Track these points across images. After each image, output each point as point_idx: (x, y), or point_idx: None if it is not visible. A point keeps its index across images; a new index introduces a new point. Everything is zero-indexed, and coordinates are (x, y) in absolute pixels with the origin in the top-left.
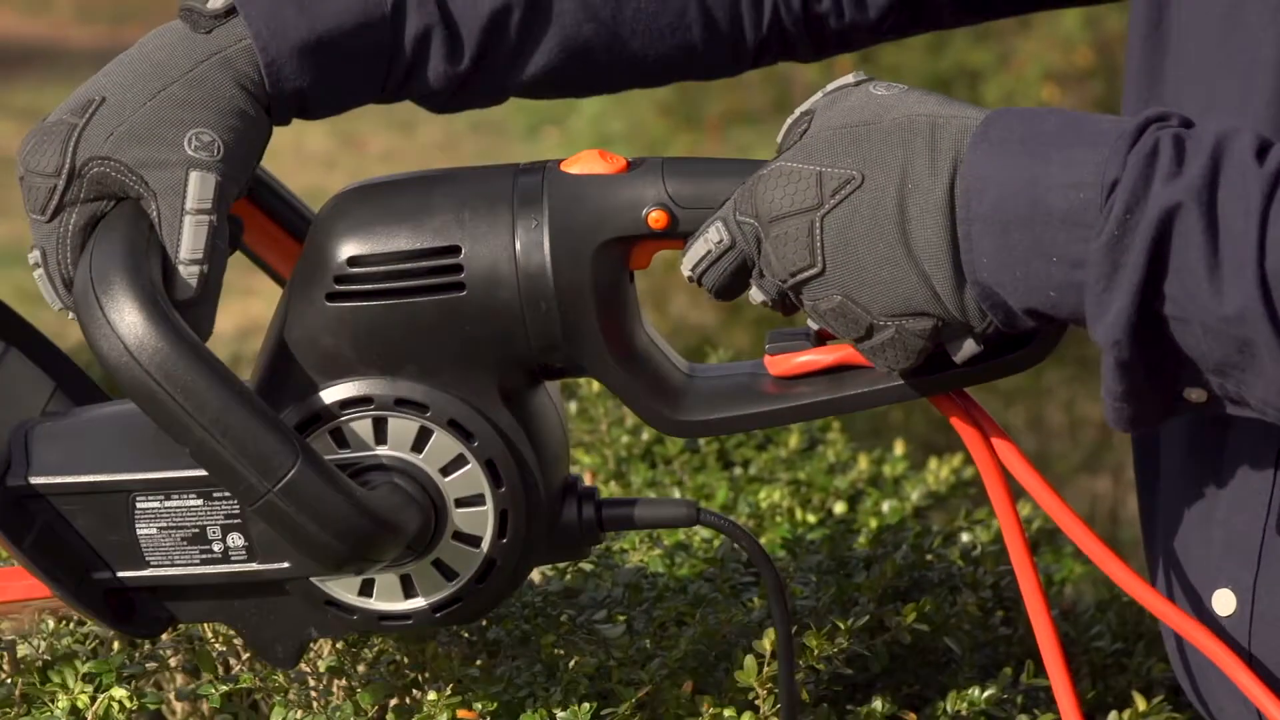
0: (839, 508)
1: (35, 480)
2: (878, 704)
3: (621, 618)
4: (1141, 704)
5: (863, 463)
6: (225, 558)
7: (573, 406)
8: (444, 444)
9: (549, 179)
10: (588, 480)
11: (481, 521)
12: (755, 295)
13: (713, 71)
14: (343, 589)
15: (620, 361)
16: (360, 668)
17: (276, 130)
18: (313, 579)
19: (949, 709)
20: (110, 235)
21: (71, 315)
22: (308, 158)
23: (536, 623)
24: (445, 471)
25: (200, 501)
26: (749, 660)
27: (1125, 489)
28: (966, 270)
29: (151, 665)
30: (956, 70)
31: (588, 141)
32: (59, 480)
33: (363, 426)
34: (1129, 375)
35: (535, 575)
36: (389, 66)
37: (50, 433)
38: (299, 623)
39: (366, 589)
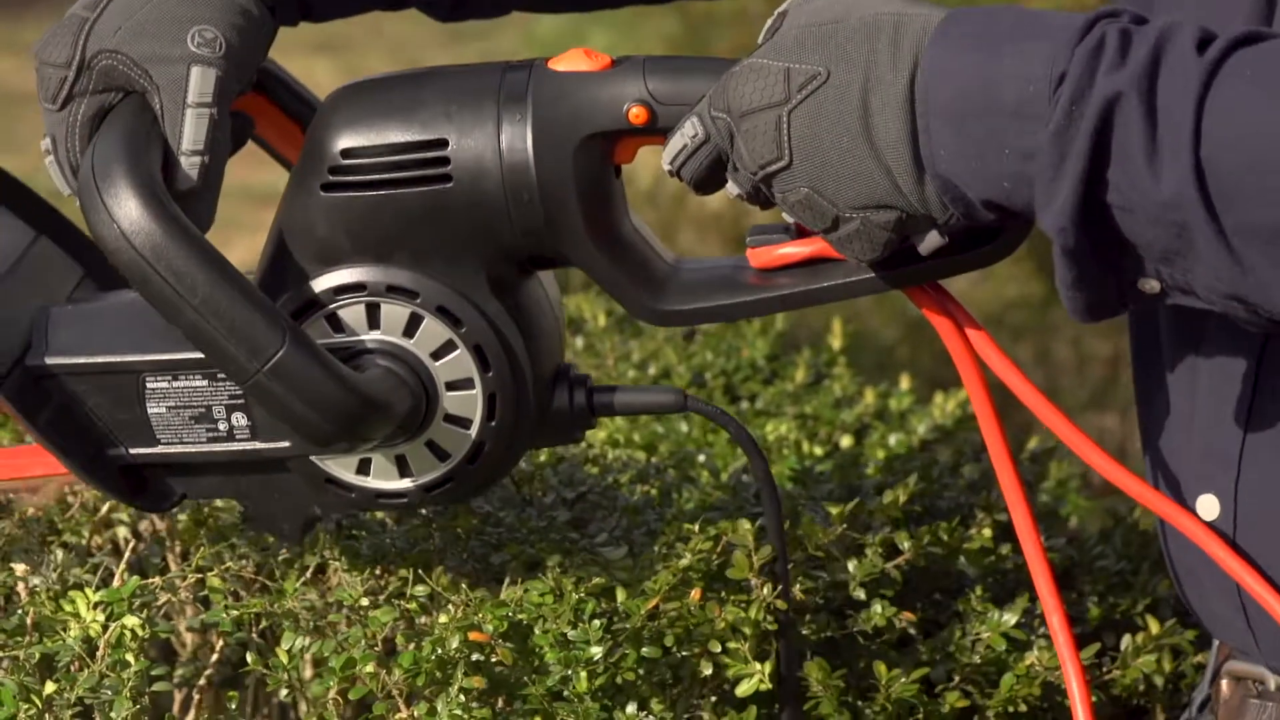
0: (845, 441)
1: (51, 360)
2: (877, 608)
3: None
4: (1155, 626)
5: (869, 397)
6: (230, 436)
7: (579, 342)
8: (434, 329)
9: (534, 76)
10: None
11: (471, 405)
12: (731, 189)
13: None
14: (341, 468)
15: (603, 251)
16: (367, 601)
17: (336, 17)
18: (312, 457)
19: (967, 630)
20: (113, 127)
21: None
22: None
23: (541, 546)
24: (435, 356)
25: (205, 382)
26: (738, 556)
27: (1132, 425)
28: (926, 163)
29: (164, 596)
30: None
31: None
32: (74, 361)
33: (356, 312)
34: (1076, 263)
35: (541, 504)
36: None
37: (69, 316)
38: (302, 500)
39: (364, 468)
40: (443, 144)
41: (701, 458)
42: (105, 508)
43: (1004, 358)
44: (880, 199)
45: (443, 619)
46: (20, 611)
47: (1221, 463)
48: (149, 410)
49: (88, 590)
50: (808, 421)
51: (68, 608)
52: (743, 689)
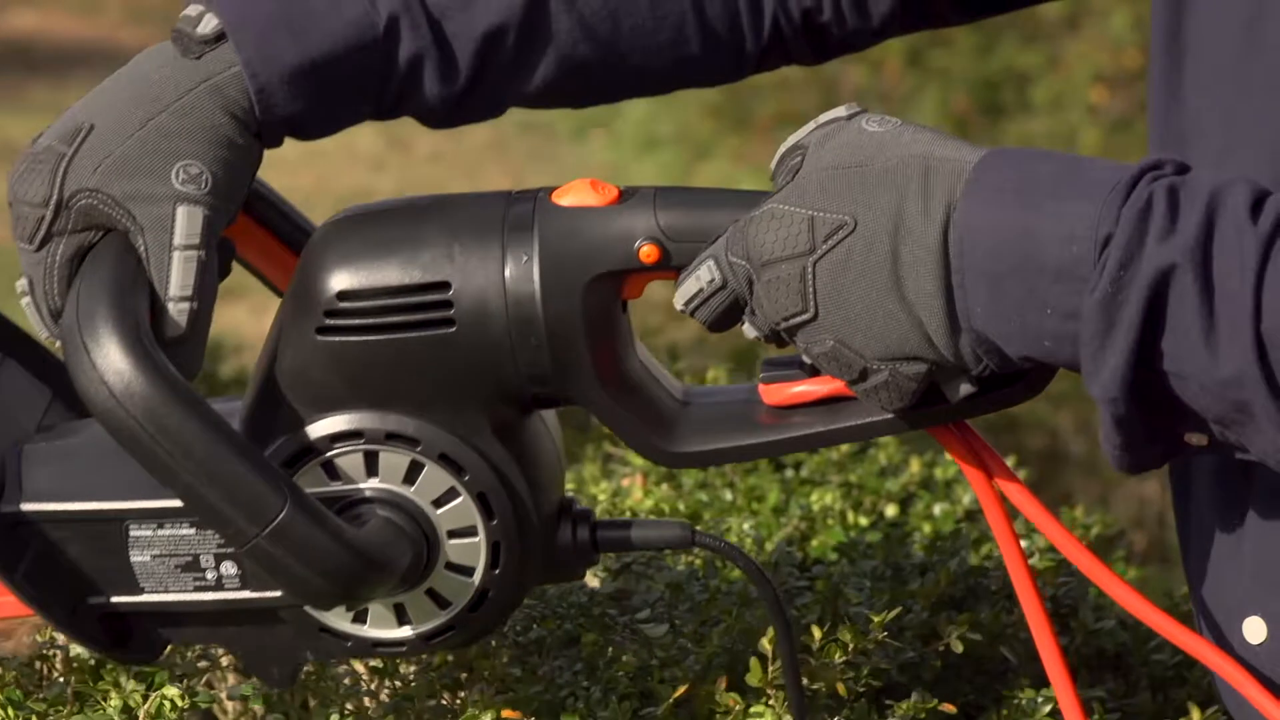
0: (890, 510)
1: (27, 507)
2: (914, 697)
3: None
4: (1196, 715)
5: (914, 465)
6: (219, 585)
7: None
8: (435, 477)
9: (539, 211)
10: (639, 484)
11: (474, 552)
12: (749, 331)
13: (714, 79)
14: (336, 618)
15: (611, 393)
16: (406, 667)
17: (325, 135)
18: (306, 608)
19: (1004, 716)
20: (96, 273)
21: (59, 345)
22: (357, 159)
23: (580, 623)
24: (437, 504)
25: (193, 530)
26: (753, 662)
27: None
28: (961, 318)
29: (204, 664)
30: (1005, 72)
31: (635, 143)
32: (52, 508)
33: (354, 460)
34: (1126, 428)
35: (588, 577)
36: (382, 88)
37: (43, 455)
38: (293, 647)
39: (360, 617)
40: (445, 287)
41: (747, 525)
42: None
43: (1034, 500)
44: (911, 351)
45: (475, 696)
46: (60, 681)
47: (1271, 585)
48: (132, 558)
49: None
50: (852, 490)
51: (108, 678)
52: None
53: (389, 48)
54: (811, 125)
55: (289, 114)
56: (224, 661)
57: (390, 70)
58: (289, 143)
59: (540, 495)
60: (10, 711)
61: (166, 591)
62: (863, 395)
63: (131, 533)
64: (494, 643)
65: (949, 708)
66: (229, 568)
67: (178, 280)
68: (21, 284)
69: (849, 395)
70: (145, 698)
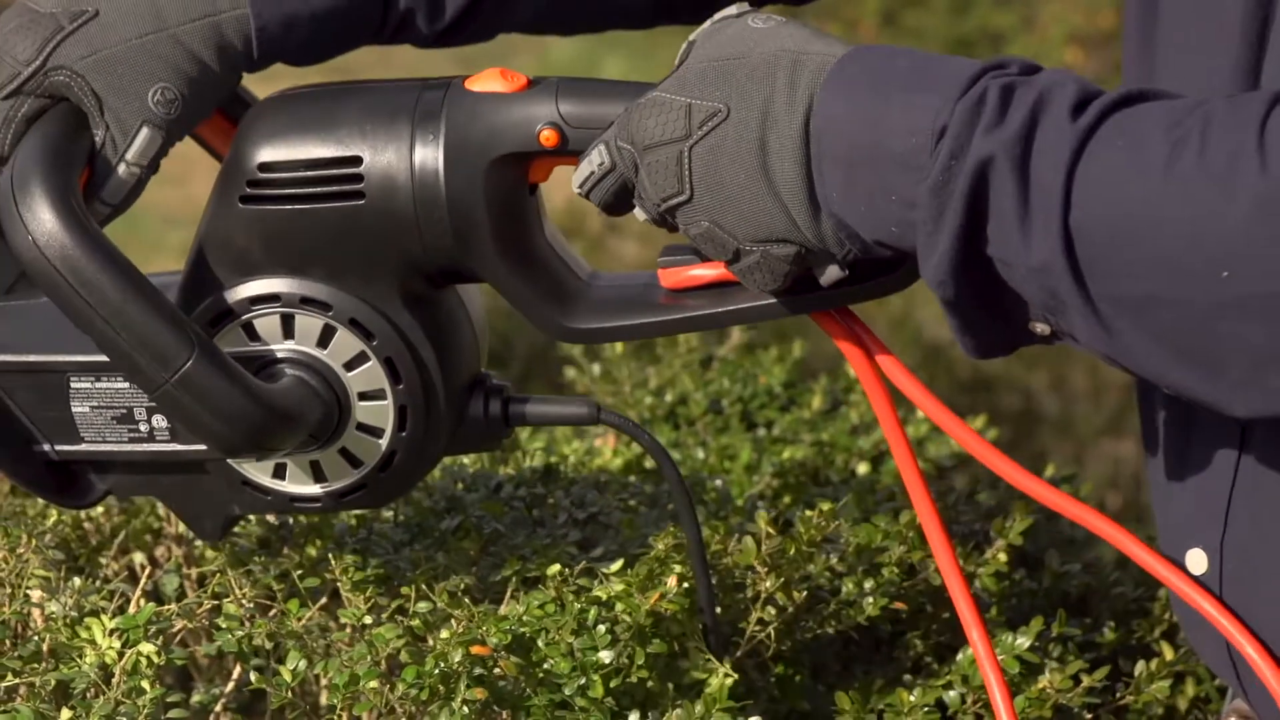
0: (862, 468)
1: None
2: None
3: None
4: (1169, 653)
5: None
6: (150, 437)
7: (596, 369)
8: (346, 341)
9: (450, 95)
10: (609, 445)
11: (383, 415)
12: (639, 214)
13: (694, 19)
14: (257, 471)
15: (513, 269)
16: (370, 619)
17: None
18: (229, 460)
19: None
20: (39, 136)
21: None
22: None
23: (541, 562)
24: (348, 367)
25: (127, 385)
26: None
27: None
28: (821, 202)
29: (180, 622)
30: (980, 33)
31: None
32: (3, 358)
33: (271, 322)
34: (959, 312)
35: (551, 528)
36: (377, 31)
37: (2, 313)
38: (222, 500)
39: (279, 472)
40: (357, 161)
41: (718, 483)
42: (122, 534)
43: (914, 380)
44: (779, 234)
45: (445, 634)
46: (36, 638)
47: (1211, 519)
48: (73, 409)
49: (104, 617)
50: (825, 449)
51: (83, 634)
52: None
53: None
54: (706, 23)
55: (283, 50)
56: (199, 620)
57: (386, 16)
58: None
59: (450, 366)
60: None
61: (104, 442)
62: (740, 276)
63: (72, 384)
64: (459, 584)
65: (900, 605)
66: (160, 421)
67: (111, 189)
68: None
69: (736, 281)
70: (121, 654)
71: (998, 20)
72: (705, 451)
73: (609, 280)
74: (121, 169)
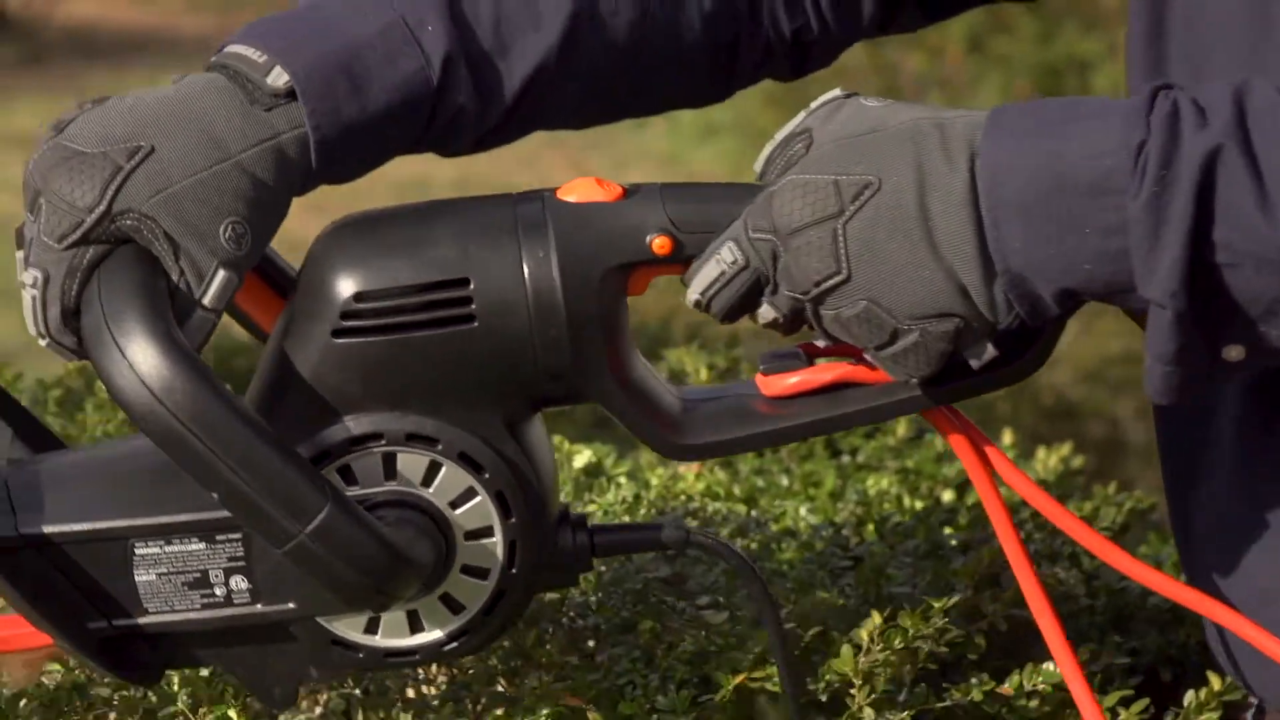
0: (947, 496)
1: (26, 530)
2: (974, 681)
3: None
4: (1216, 682)
5: None
6: (228, 601)
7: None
8: (454, 477)
9: (549, 207)
10: (694, 470)
11: (490, 553)
12: (765, 313)
13: (703, 103)
14: (349, 627)
15: (623, 388)
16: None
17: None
18: (319, 619)
19: (1025, 684)
20: (122, 275)
21: (45, 343)
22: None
23: (637, 610)
24: (455, 505)
25: (203, 545)
26: (845, 649)
27: None
28: (996, 259)
29: None
30: (1066, 59)
31: (694, 132)
32: (51, 529)
33: (371, 462)
34: (1183, 330)
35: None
36: (421, 135)
37: (30, 480)
38: (299, 664)
39: (372, 626)
40: (464, 283)
41: (804, 510)
42: None
43: (1023, 476)
44: (943, 307)
45: (532, 683)
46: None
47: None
48: (136, 578)
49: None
50: (909, 476)
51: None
52: None
53: (437, 101)
54: (803, 113)
55: (341, 161)
56: None
57: (432, 121)
58: None
59: (548, 496)
60: None
61: (173, 610)
62: (889, 362)
63: (137, 551)
64: (550, 630)
65: (1007, 690)
66: (239, 582)
67: (191, 332)
68: (31, 276)
69: (849, 382)
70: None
71: (1083, 47)
72: (789, 478)
73: (702, 394)
74: (199, 313)
